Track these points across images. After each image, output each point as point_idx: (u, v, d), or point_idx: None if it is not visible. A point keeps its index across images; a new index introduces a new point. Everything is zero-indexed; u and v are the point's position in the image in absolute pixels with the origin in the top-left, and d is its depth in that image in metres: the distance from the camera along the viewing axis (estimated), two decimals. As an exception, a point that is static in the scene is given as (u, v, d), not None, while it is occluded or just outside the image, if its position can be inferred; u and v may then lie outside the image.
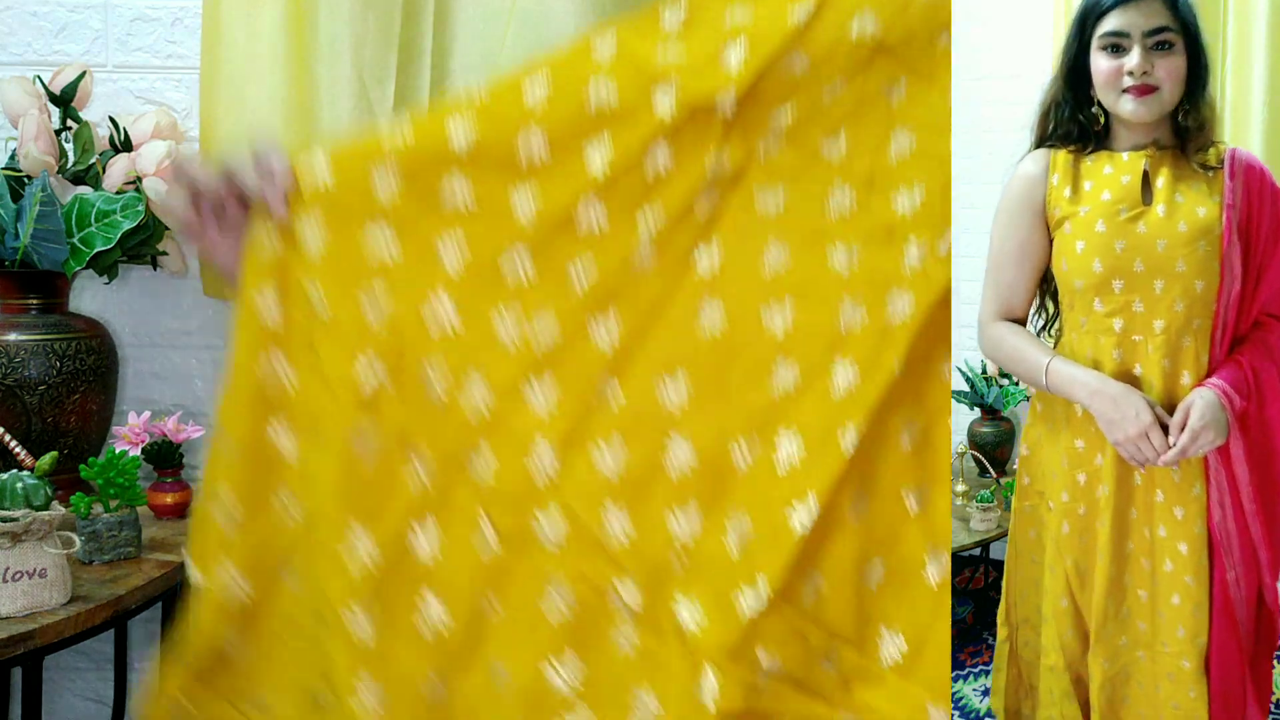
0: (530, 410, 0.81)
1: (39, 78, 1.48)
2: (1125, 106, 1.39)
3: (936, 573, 0.83)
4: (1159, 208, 1.38)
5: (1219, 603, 1.39)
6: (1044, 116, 1.50)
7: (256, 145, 0.80)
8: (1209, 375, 1.37)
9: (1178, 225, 1.36)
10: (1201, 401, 1.32)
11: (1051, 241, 1.45)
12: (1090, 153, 1.45)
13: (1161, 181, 1.40)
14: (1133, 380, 1.38)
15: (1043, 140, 1.50)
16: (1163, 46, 1.37)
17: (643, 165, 0.81)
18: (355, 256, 0.78)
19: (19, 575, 1.09)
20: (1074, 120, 1.46)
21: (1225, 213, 1.38)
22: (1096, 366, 1.40)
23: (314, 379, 0.78)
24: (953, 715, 2.29)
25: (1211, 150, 1.43)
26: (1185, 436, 1.31)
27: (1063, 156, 1.46)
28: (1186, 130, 1.42)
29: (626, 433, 0.82)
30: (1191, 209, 1.38)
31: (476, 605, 0.80)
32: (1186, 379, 1.37)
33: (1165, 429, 1.33)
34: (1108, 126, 1.47)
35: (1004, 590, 1.59)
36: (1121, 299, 1.38)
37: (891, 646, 0.82)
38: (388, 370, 0.78)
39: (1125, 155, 1.43)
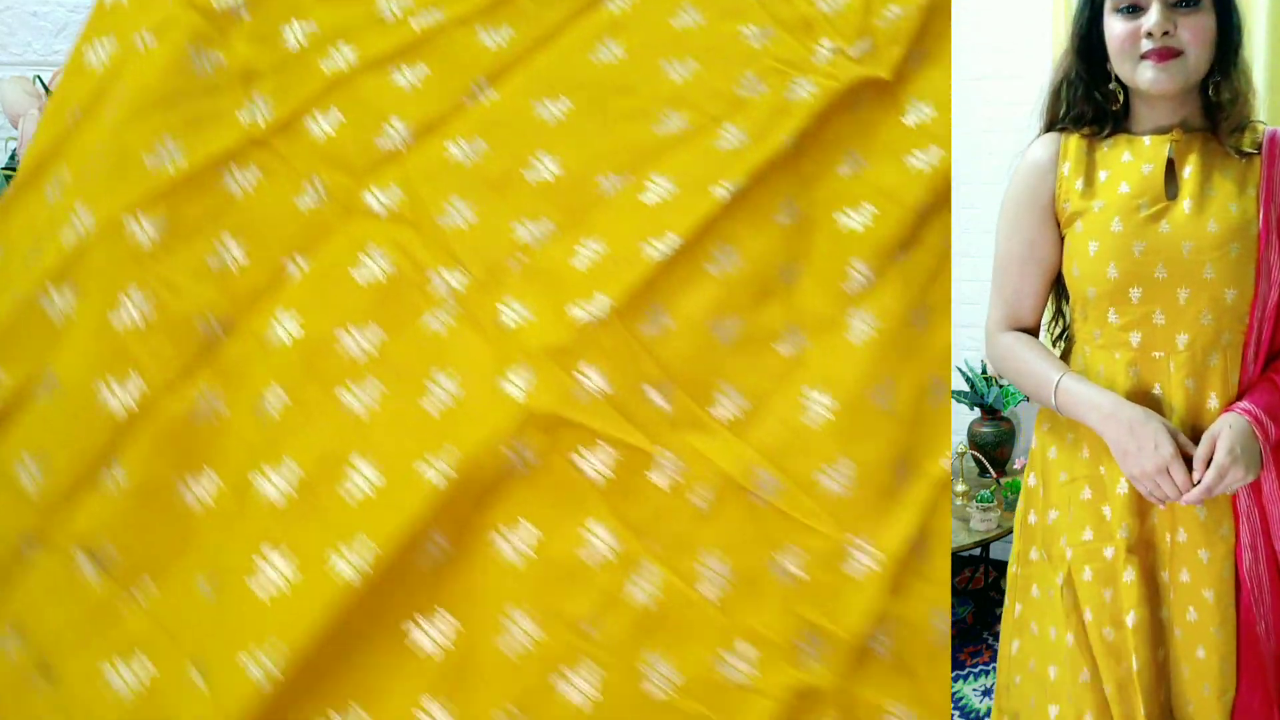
0: (392, 84, 0.83)
1: (39, 78, 1.48)
2: (1144, 75, 1.18)
3: (791, 348, 0.80)
4: (1185, 203, 1.19)
5: (1246, 656, 1.19)
6: (1054, 95, 1.30)
7: None
8: (1239, 398, 1.18)
9: (1207, 224, 1.18)
10: (1231, 431, 1.14)
11: (1063, 240, 1.27)
12: (1107, 137, 1.26)
13: (1189, 171, 1.20)
14: (1152, 403, 1.20)
15: (1053, 123, 1.31)
16: (1187, 4, 1.16)
17: None
18: None
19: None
20: (1088, 99, 1.26)
21: (1263, 208, 1.19)
22: (1110, 386, 1.22)
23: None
24: (953, 715, 2.29)
25: (1248, 132, 1.22)
26: (1211, 473, 1.13)
27: (1075, 142, 1.26)
28: (1218, 107, 1.21)
29: (490, 135, 0.82)
30: (1223, 204, 1.19)
31: (278, 257, 0.78)
32: (1214, 402, 1.19)
33: (1190, 460, 1.15)
34: (1127, 106, 1.27)
35: (998, 667, 1.35)
36: (1140, 310, 1.19)
37: (730, 404, 0.78)
38: (248, 6, 0.82)
39: (1147, 140, 1.23)
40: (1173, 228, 1.18)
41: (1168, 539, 1.21)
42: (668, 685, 0.70)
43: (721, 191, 0.82)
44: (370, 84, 0.83)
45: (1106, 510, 1.21)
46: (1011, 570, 1.33)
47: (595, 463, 0.74)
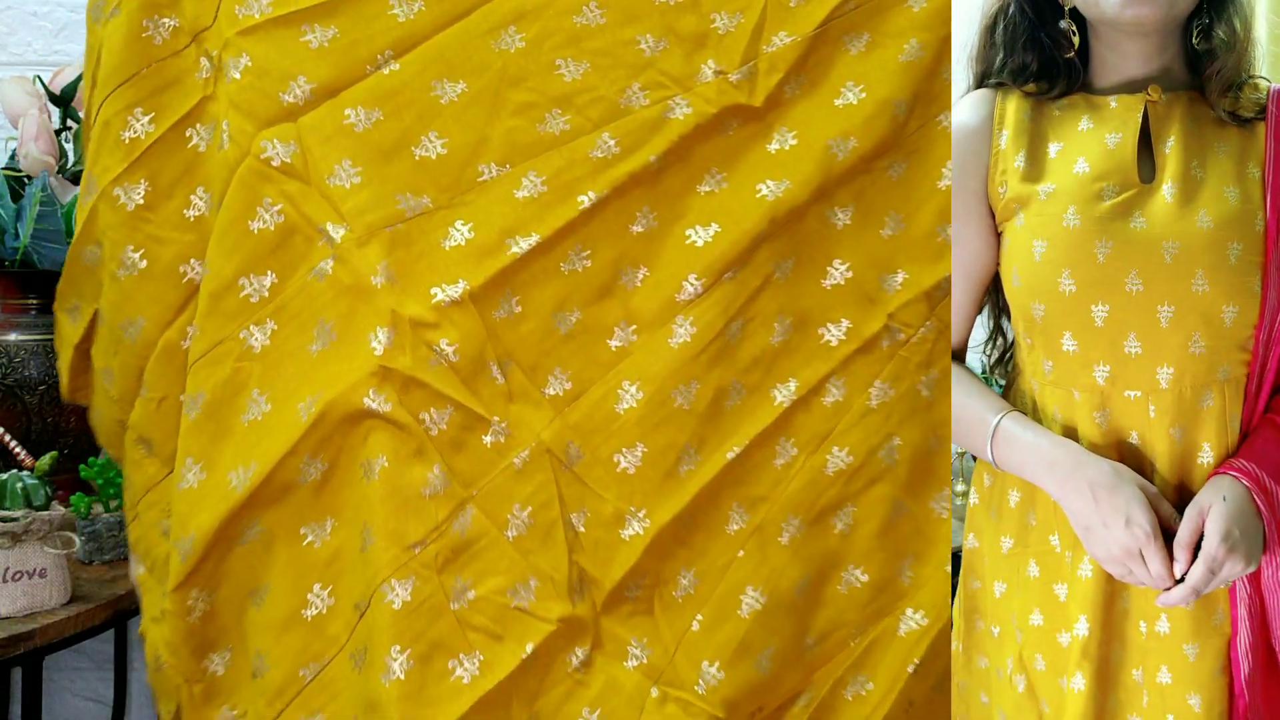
0: (301, 42, 0.87)
1: (39, 78, 1.48)
2: (1112, 0, 0.86)
3: (619, 343, 0.89)
4: (1166, 188, 0.88)
5: None
6: (986, 35, 0.97)
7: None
8: (1238, 451, 0.88)
9: (1196, 217, 0.87)
10: (1226, 506, 0.84)
11: (999, 236, 0.95)
12: (1059, 96, 0.94)
13: (1171, 143, 0.89)
14: (1126, 456, 0.90)
15: (985, 76, 0.98)
16: None
17: None
18: None
19: (19, 575, 1.09)
20: (1032, 43, 0.94)
21: (1270, 193, 0.87)
22: (1068, 435, 0.91)
23: None
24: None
25: (1246, 90, 0.91)
26: (1198, 570, 0.84)
27: (1015, 102, 0.94)
28: (1208, 56, 0.90)
29: (385, 104, 0.87)
30: (1217, 189, 0.88)
31: (217, 201, 0.88)
32: (1208, 456, 0.89)
33: (1172, 536, 0.86)
34: (1086, 51, 0.94)
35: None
36: (1107, 335, 0.88)
37: (558, 385, 0.88)
38: None
39: (1113, 100, 0.91)
40: (1150, 222, 0.87)
41: (1143, 629, 0.91)
42: (464, 601, 0.85)
43: (585, 199, 0.87)
44: (280, 36, 0.88)
45: (1061, 590, 0.94)
46: (954, 646, 1.03)
47: (438, 419, 0.86)
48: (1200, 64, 0.91)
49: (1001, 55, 0.96)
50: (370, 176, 0.87)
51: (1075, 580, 0.93)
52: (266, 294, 0.87)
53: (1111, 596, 0.92)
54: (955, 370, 0.97)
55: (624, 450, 0.88)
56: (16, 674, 1.52)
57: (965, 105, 0.97)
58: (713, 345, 0.89)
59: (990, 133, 0.95)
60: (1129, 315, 0.88)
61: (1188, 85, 0.93)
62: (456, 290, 0.85)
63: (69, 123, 1.49)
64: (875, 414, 0.91)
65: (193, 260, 0.90)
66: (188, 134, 0.90)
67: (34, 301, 1.45)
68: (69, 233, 1.38)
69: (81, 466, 1.29)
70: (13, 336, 1.41)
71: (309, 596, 0.86)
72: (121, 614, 1.18)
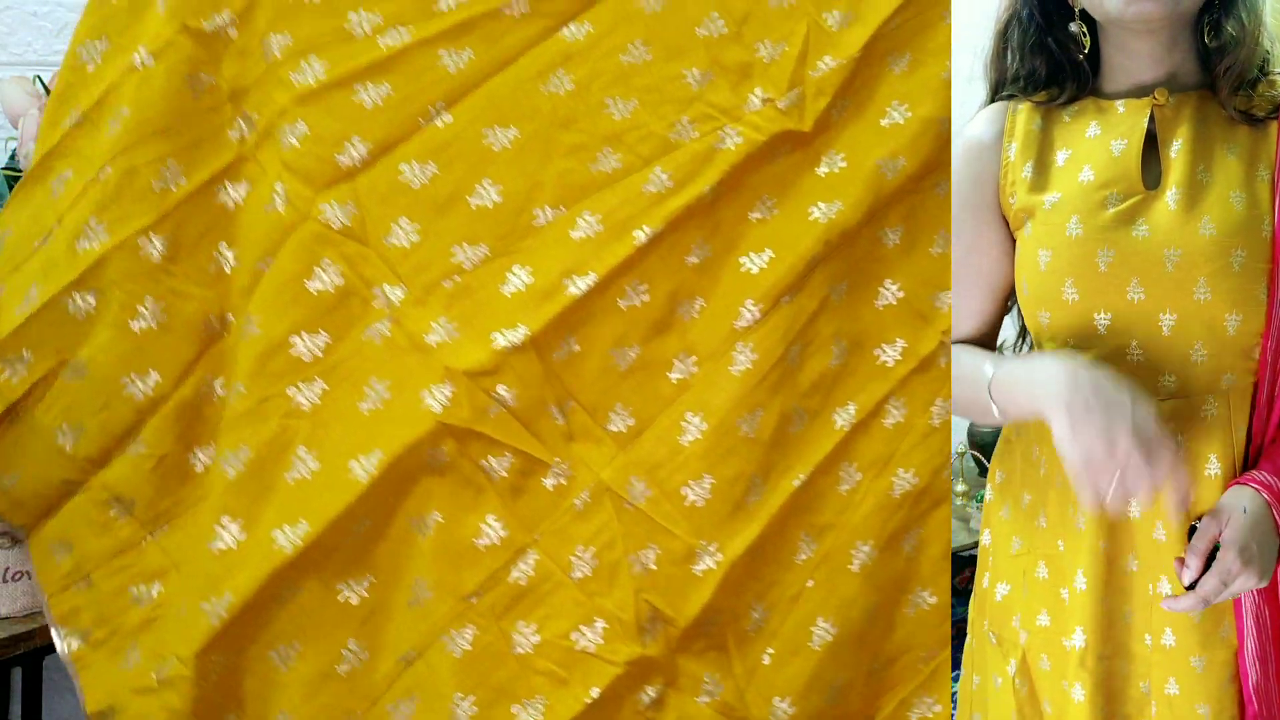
0: (355, 102, 0.88)
1: (39, 78, 1.48)
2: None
3: (680, 375, 0.90)
4: (1170, 193, 0.87)
5: None
6: (999, 41, 0.98)
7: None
8: (1250, 463, 0.87)
9: (1199, 224, 0.86)
10: (1244, 518, 0.82)
11: (1015, 244, 0.96)
12: (1069, 103, 0.93)
13: (1178, 147, 0.88)
14: None
15: (1000, 83, 0.99)
16: None
17: None
18: None
19: (19, 575, 1.09)
20: (1040, 48, 0.94)
21: (1278, 197, 0.86)
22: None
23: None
24: (952, 716, 2.28)
25: (1261, 87, 0.90)
26: (1211, 580, 0.82)
27: (1026, 113, 0.94)
28: (1219, 52, 0.88)
29: (439, 156, 0.89)
30: (1223, 194, 0.86)
31: (255, 260, 0.89)
32: (1214, 468, 0.87)
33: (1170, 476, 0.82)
34: (1096, 54, 0.94)
35: None
36: (1110, 343, 0.87)
37: (620, 422, 0.89)
38: (233, 15, 0.89)
39: (1120, 105, 0.91)
40: (1152, 230, 0.86)
41: (1148, 641, 0.90)
42: (528, 645, 0.86)
43: (640, 235, 0.88)
44: (336, 100, 0.88)
45: (1065, 594, 0.93)
46: (968, 642, 1.05)
47: (497, 466, 0.87)
48: (1211, 61, 0.90)
49: (1014, 61, 0.97)
50: (427, 232, 0.88)
51: (1073, 591, 0.92)
52: (320, 353, 0.87)
53: (1112, 614, 0.91)
54: (962, 347, 0.97)
55: (691, 483, 0.88)
56: (16, 674, 1.52)
57: (979, 120, 0.99)
58: (774, 372, 0.89)
59: (1001, 145, 0.95)
60: (1131, 324, 0.87)
61: (1199, 84, 0.91)
62: (518, 335, 0.86)
63: (69, 123, 1.49)
64: (937, 433, 0.92)
65: (211, 316, 0.90)
66: (217, 190, 0.90)
67: (34, 301, 1.45)
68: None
69: (81, 466, 1.28)
70: (13, 336, 1.41)
71: (343, 652, 0.86)
72: (121, 614, 1.19)
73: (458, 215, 0.88)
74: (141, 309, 0.88)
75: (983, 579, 1.02)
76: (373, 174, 0.88)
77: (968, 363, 0.94)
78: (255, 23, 0.90)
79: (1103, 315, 0.88)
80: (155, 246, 0.88)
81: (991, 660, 1.00)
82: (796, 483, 0.90)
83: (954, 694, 2.23)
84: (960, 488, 2.56)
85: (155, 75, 0.89)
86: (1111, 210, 0.88)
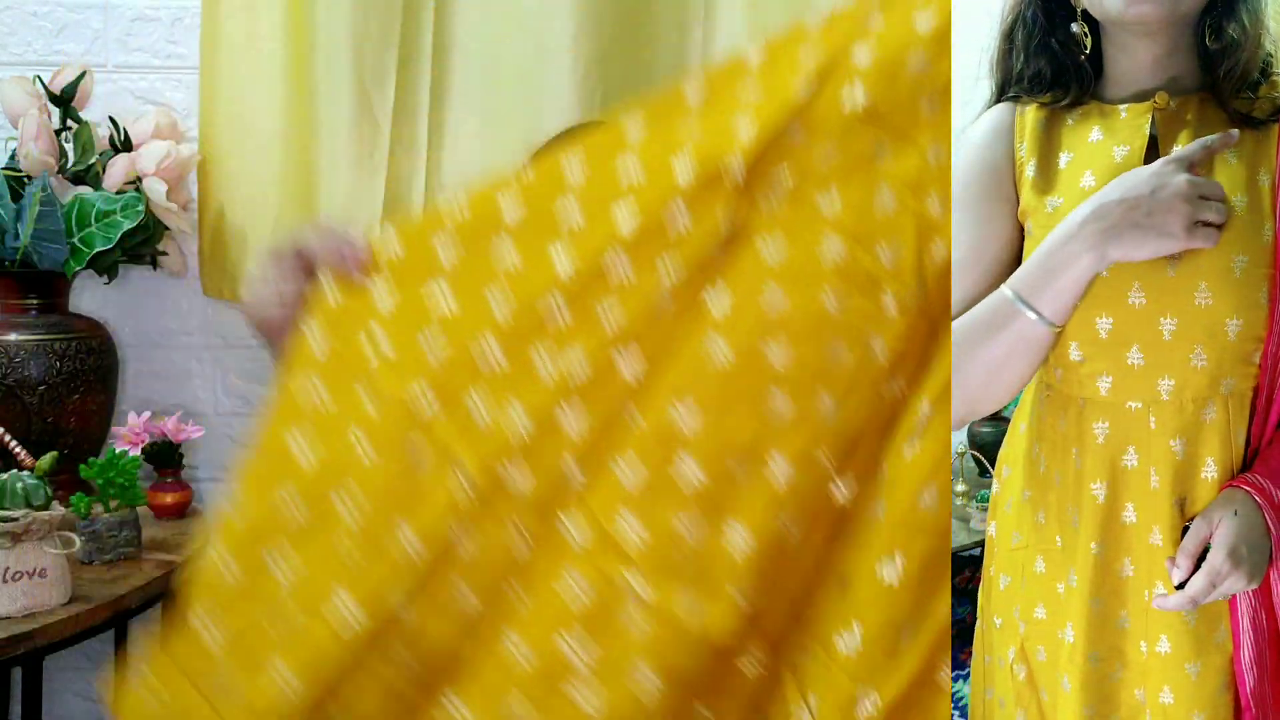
0: (563, 433, 0.91)
1: (39, 78, 1.48)
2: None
3: (893, 575, 0.91)
4: None
5: None
6: (1004, 42, 0.99)
7: (332, 225, 0.93)
8: (1247, 466, 0.87)
9: None
10: (1236, 521, 0.84)
11: (1022, 236, 0.96)
12: (1072, 104, 0.94)
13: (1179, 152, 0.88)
14: (1125, 474, 0.90)
15: (1005, 85, 1.00)
16: None
17: (664, 224, 0.93)
18: (419, 309, 0.92)
19: (19, 575, 1.09)
20: (1045, 48, 0.95)
21: (1279, 201, 0.86)
22: (1073, 442, 0.92)
23: (352, 402, 0.91)
24: (953, 715, 2.29)
25: (1262, 90, 0.89)
26: (1200, 580, 0.83)
27: (1033, 114, 0.95)
28: (1221, 55, 0.88)
29: (643, 451, 0.92)
30: (1225, 197, 0.86)
31: (501, 590, 0.90)
32: (1211, 471, 0.87)
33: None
34: (1098, 59, 0.94)
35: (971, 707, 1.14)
36: (1110, 346, 0.88)
37: (847, 640, 0.90)
38: (438, 397, 0.91)
39: (1123, 110, 0.91)
40: None
41: (1143, 649, 0.90)
42: None
43: (821, 456, 0.92)
44: (544, 439, 0.92)
45: (1061, 588, 0.94)
46: (978, 625, 1.08)
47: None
48: (1213, 64, 0.89)
49: (1019, 61, 0.97)
50: (651, 521, 0.94)
51: (1067, 587, 0.93)
52: (591, 661, 0.93)
53: (1106, 616, 0.91)
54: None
55: (844, 632, 0.91)
56: (16, 674, 1.52)
57: (988, 116, 1.00)
58: (911, 517, 0.92)
59: (1012, 140, 0.96)
60: (1131, 328, 0.87)
61: (1200, 87, 0.91)
62: (745, 596, 0.92)
63: (69, 123, 1.49)
64: None
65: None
66: (450, 534, 0.94)
67: (34, 301, 1.45)
68: (69, 233, 1.39)
69: (81, 466, 1.29)
70: (13, 336, 1.41)
71: None
72: (121, 614, 1.19)
73: (671, 497, 0.92)
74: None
75: (989, 568, 1.05)
76: (593, 485, 0.93)
77: (979, 308, 0.95)
78: (458, 401, 0.95)
79: (1104, 319, 0.88)
80: (399, 602, 0.90)
81: (996, 643, 1.03)
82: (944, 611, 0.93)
83: (956, 694, 2.22)
84: (960, 488, 2.56)
85: (378, 462, 0.93)
86: None
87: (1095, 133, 0.92)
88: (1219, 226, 0.84)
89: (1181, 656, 0.89)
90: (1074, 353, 0.90)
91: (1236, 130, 0.87)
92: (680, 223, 0.93)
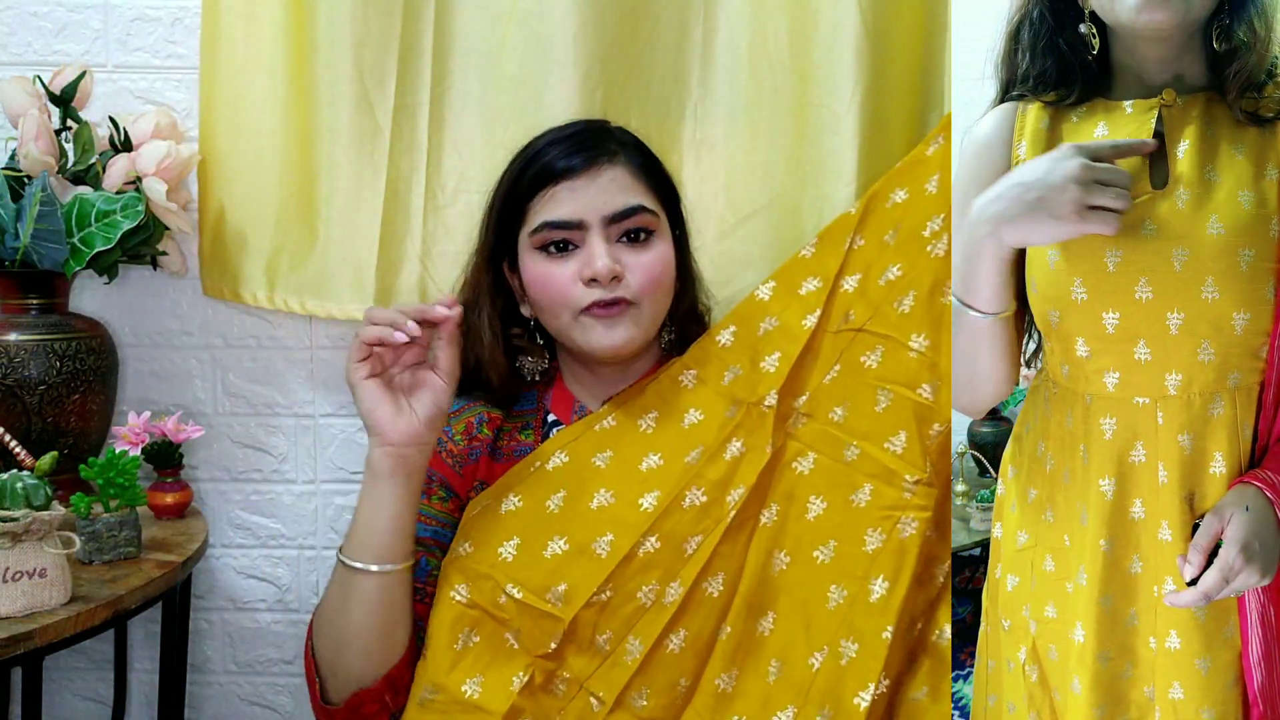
0: (668, 651, 1.03)
1: (39, 78, 1.48)
2: (1129, 3, 0.85)
3: None
4: (1178, 193, 0.87)
5: None
6: (1010, 41, 0.99)
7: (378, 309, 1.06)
8: (1256, 462, 0.88)
9: (1207, 223, 0.86)
10: (1247, 516, 0.83)
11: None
12: (1077, 104, 0.95)
13: (1185, 148, 0.88)
14: (1133, 470, 0.91)
15: (1010, 82, 1.00)
16: None
17: (724, 453, 1.09)
18: None
19: (19, 575, 1.09)
20: (1053, 47, 0.94)
21: None
22: (1080, 439, 0.93)
23: None
24: (953, 715, 2.29)
25: (1269, 89, 0.90)
26: (1213, 576, 0.83)
27: (1035, 113, 0.95)
28: (1228, 56, 0.88)
29: (738, 661, 1.04)
30: (1231, 193, 0.86)
31: None
32: (1219, 466, 0.88)
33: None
34: (1106, 58, 0.95)
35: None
36: (1118, 340, 0.89)
37: None
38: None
39: (1128, 106, 0.91)
40: (1160, 229, 0.87)
41: (1152, 645, 0.91)
42: None
43: (886, 634, 0.99)
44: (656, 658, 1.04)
45: (1070, 588, 0.95)
46: (982, 629, 1.10)
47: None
48: (1220, 64, 0.90)
49: (1025, 60, 0.97)
50: (745, 712, 1.06)
51: (1076, 586, 0.94)
52: None
53: (1116, 615, 0.91)
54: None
55: (861, 693, 0.99)
56: (16, 674, 1.52)
57: (988, 118, 1.00)
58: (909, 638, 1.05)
59: (1010, 144, 0.96)
60: (1138, 322, 0.88)
61: (1207, 85, 0.92)
62: None
63: (69, 123, 1.49)
64: None
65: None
66: None
67: (34, 301, 1.45)
68: (69, 233, 1.38)
69: (81, 466, 1.29)
70: (13, 336, 1.41)
71: None
72: (121, 614, 1.19)
73: (759, 692, 1.03)
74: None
75: (995, 570, 1.05)
76: (694, 691, 1.06)
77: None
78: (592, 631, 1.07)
79: (1111, 314, 0.88)
80: None
81: (1005, 645, 1.02)
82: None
83: (956, 694, 2.23)
84: (960, 488, 2.56)
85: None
86: None
87: (1100, 128, 0.92)
88: (1119, 212, 0.83)
89: (1191, 652, 0.89)
90: (1081, 349, 0.90)
91: (1154, 141, 0.87)
92: (734, 449, 1.08)
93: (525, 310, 1.21)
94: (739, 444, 1.09)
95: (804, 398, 1.11)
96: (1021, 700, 0.99)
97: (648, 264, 1.13)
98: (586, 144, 1.16)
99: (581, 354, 1.17)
